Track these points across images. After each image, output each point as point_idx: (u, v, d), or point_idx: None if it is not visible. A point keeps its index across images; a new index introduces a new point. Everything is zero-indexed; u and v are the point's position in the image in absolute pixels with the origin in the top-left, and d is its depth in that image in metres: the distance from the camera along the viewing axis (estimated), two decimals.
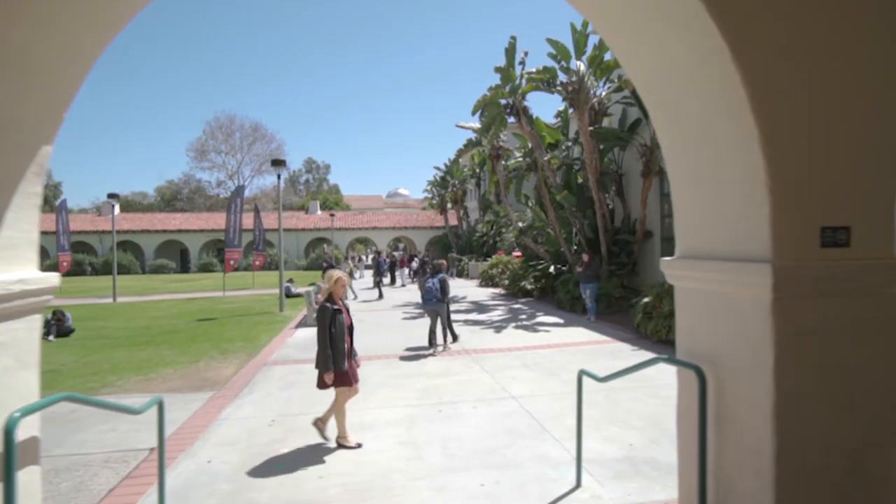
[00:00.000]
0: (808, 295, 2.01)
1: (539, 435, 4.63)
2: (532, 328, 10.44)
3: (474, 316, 12.47)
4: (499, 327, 10.66)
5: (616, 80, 13.16)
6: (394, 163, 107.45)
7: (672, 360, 2.57)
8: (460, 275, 25.26)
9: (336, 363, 4.34)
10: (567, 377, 6.54)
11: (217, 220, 37.58)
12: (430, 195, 33.32)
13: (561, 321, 11.21)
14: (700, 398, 2.30)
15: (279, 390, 6.30)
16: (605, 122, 16.03)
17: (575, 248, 15.48)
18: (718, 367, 2.29)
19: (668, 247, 13.89)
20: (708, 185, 2.32)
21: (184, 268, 38.42)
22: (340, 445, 4.44)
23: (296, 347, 8.95)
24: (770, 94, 1.95)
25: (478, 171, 28.52)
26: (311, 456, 4.28)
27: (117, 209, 41.37)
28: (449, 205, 31.31)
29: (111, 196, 18.64)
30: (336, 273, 4.67)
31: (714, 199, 2.29)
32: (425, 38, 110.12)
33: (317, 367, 4.42)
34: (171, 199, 56.45)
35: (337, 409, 4.50)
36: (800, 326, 2.00)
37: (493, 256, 20.89)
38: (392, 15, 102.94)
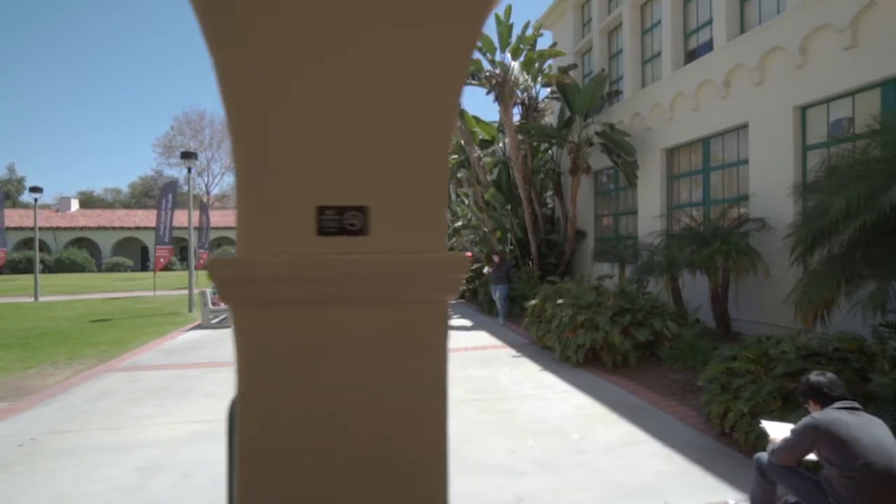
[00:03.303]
0: (287, 304, 1.41)
1: None
2: None
3: None
4: None
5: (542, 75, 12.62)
6: None
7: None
8: None
9: None
10: None
11: (179, 218, 36.63)
12: None
13: (470, 324, 10.63)
14: (228, 434, 1.72)
15: (85, 402, 5.62)
16: (548, 119, 15.55)
17: (511, 247, 14.96)
18: None
19: (601, 248, 13.42)
20: None
21: (143, 265, 37.41)
22: None
23: (162, 352, 8.26)
24: (239, 75, 1.36)
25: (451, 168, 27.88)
26: (6, 487, 3.63)
27: (75, 205, 40.19)
28: None
29: (34, 189, 17.69)
30: None
31: None
32: None
33: None
34: (141, 196, 55.22)
35: None
36: (268, 349, 1.40)
37: None
38: None
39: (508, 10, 11.86)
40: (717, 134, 9.23)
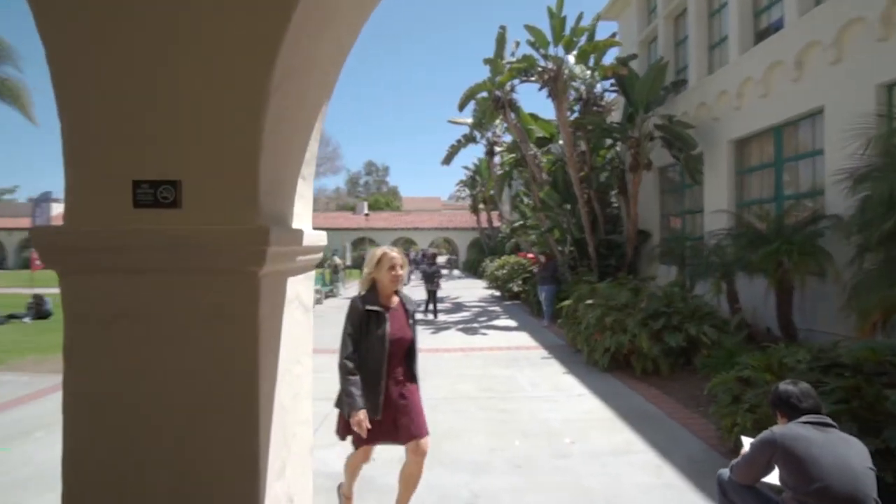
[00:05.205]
0: (108, 271, 1.52)
1: None
2: (476, 331, 9.78)
3: (440, 317, 11.95)
4: (444, 329, 10.11)
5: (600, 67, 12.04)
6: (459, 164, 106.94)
7: None
8: (479, 276, 24.65)
9: (357, 402, 2.48)
10: (432, 384, 5.96)
11: None
12: (462, 196, 32.84)
13: (515, 324, 10.43)
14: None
15: None
16: (614, 116, 14.80)
17: (570, 248, 14.42)
18: None
19: (665, 249, 12.46)
20: None
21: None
22: None
23: None
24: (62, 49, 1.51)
25: (507, 168, 27.57)
26: None
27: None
28: (481, 205, 30.61)
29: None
30: (381, 250, 2.77)
31: None
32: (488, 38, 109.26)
33: (336, 404, 2.72)
34: None
35: (348, 464, 2.89)
36: (92, 311, 1.53)
37: (502, 257, 20.05)
38: (464, 10, 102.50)
39: (560, 2, 11.50)
40: (789, 122, 8.22)
